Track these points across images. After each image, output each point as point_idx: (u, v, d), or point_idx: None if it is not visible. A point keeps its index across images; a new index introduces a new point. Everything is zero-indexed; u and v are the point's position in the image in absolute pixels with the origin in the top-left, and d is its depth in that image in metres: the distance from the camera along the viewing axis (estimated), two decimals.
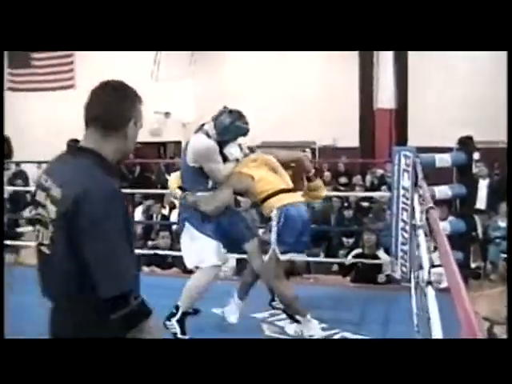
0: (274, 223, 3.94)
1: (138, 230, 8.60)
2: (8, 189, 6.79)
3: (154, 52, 14.07)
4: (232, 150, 4.16)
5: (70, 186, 1.78)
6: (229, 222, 4.19)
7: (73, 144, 1.97)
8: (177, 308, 4.02)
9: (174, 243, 6.62)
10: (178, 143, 15.61)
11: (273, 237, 3.93)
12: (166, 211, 9.11)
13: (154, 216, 9.03)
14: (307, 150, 13.79)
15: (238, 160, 4.17)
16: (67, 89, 14.65)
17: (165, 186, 14.53)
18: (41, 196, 1.88)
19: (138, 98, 1.96)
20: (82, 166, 1.83)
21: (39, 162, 13.51)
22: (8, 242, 7.74)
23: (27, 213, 11.52)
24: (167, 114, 14.86)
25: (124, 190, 10.15)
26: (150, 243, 7.83)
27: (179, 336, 3.96)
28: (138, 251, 5.31)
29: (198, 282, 4.08)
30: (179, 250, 4.55)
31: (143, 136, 10.39)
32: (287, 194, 4.09)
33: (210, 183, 4.10)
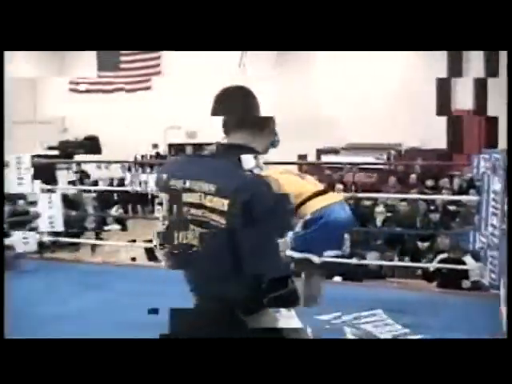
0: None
1: None
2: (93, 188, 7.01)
3: (240, 53, 14.21)
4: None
5: (242, 182, 1.84)
6: None
7: (223, 144, 2.00)
8: None
9: None
10: None
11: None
12: None
13: None
14: (392, 151, 13.62)
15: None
16: (153, 89, 15.04)
17: None
18: (190, 197, 1.90)
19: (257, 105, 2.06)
20: (231, 166, 1.87)
21: (101, 162, 13.99)
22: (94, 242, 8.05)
23: (114, 211, 11.96)
24: None
25: None
26: None
27: None
28: None
29: None
30: None
31: None
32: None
33: None
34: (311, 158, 14.18)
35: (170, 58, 14.50)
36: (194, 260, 1.92)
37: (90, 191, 10.79)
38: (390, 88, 13.93)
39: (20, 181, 6.78)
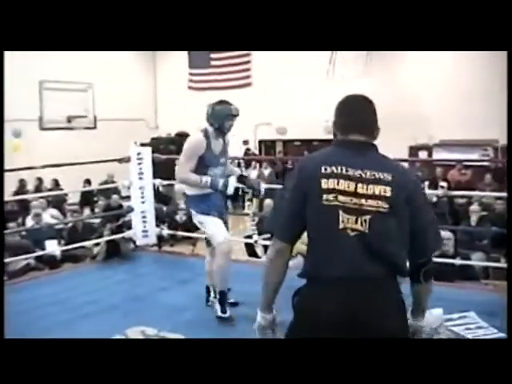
0: None
1: None
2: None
3: (330, 51, 14.13)
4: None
5: (399, 173, 2.14)
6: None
7: (360, 140, 2.22)
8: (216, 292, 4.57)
9: None
10: None
11: None
12: None
13: None
14: (488, 148, 13.14)
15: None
16: (244, 87, 15.16)
17: None
18: (346, 184, 2.07)
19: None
20: (392, 160, 2.25)
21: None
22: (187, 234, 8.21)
23: None
24: None
25: None
26: None
27: (219, 314, 4.47)
28: None
29: (219, 262, 4.50)
30: None
31: (319, 133, 10.61)
32: None
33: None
34: (403, 156, 13.92)
35: (260, 55, 14.60)
36: (352, 243, 2.04)
37: None
38: (486, 83, 13.46)
39: (141, 176, 7.03)
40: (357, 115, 2.24)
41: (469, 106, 13.24)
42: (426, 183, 11.90)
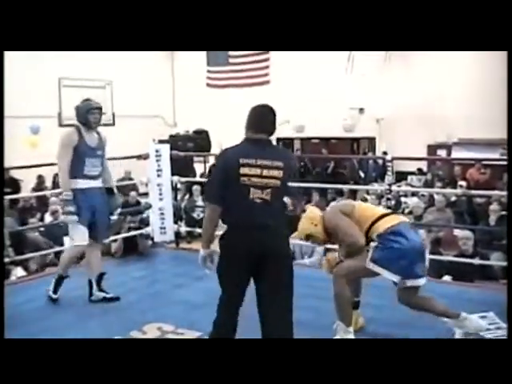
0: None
1: None
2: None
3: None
4: None
5: (287, 159, 3.29)
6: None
7: (263, 138, 3.30)
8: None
9: None
10: (372, 139, 15.51)
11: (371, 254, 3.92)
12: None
13: None
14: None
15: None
16: (263, 85, 15.12)
17: (358, 181, 14.75)
18: (255, 170, 3.17)
19: None
20: (280, 149, 3.58)
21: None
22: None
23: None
24: (361, 110, 14.82)
25: (317, 185, 10.20)
26: None
27: (51, 294, 5.06)
28: None
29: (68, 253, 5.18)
30: None
31: (337, 132, 10.60)
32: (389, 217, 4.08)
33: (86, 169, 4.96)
34: (422, 154, 13.85)
35: (278, 53, 14.56)
36: (257, 207, 3.19)
37: (197, 183, 10.95)
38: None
39: (159, 172, 7.05)
40: (263, 120, 3.30)
41: (489, 104, 13.10)
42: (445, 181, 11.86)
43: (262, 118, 3.29)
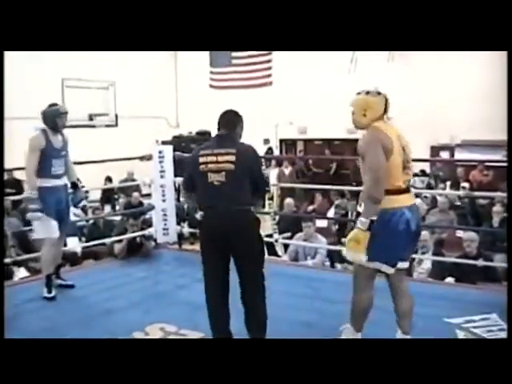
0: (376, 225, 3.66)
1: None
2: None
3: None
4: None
5: (242, 147, 3.79)
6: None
7: (222, 133, 3.88)
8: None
9: None
10: None
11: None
12: (361, 208, 9.14)
13: (349, 214, 9.10)
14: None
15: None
16: (265, 86, 15.10)
17: (360, 183, 14.66)
18: (211, 158, 3.70)
19: (241, 118, 4.00)
20: (237, 141, 3.88)
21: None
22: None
23: None
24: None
25: (319, 187, 10.17)
26: None
27: (46, 295, 5.20)
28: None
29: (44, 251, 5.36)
30: None
31: (340, 133, 10.59)
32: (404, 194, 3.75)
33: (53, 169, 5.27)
34: (425, 155, 13.82)
35: (281, 54, 14.54)
36: (216, 189, 3.67)
37: None
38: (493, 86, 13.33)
39: (162, 174, 7.06)
40: (222, 118, 3.90)
41: (491, 106, 13.08)
42: (448, 183, 11.85)
43: (222, 117, 3.92)
